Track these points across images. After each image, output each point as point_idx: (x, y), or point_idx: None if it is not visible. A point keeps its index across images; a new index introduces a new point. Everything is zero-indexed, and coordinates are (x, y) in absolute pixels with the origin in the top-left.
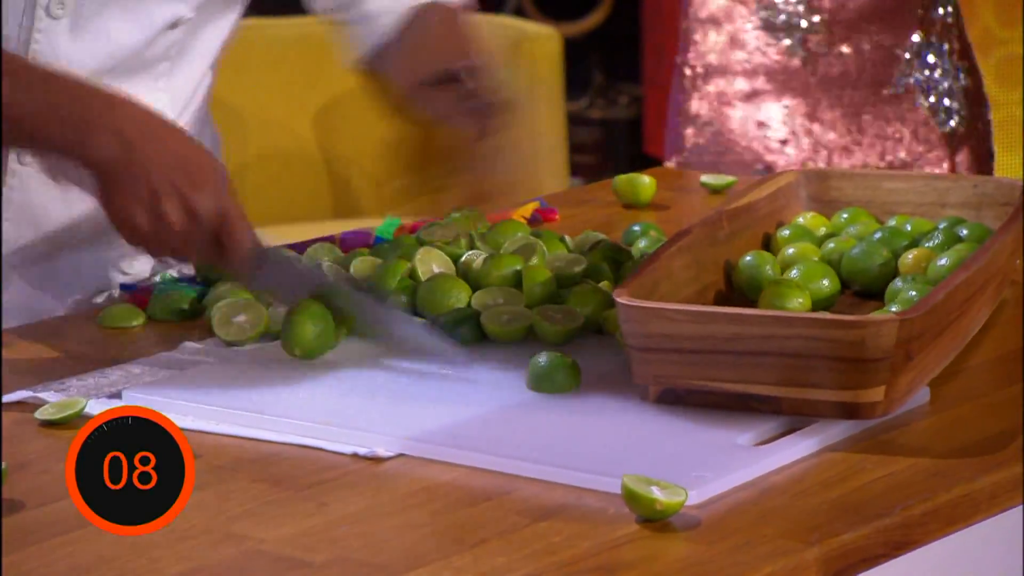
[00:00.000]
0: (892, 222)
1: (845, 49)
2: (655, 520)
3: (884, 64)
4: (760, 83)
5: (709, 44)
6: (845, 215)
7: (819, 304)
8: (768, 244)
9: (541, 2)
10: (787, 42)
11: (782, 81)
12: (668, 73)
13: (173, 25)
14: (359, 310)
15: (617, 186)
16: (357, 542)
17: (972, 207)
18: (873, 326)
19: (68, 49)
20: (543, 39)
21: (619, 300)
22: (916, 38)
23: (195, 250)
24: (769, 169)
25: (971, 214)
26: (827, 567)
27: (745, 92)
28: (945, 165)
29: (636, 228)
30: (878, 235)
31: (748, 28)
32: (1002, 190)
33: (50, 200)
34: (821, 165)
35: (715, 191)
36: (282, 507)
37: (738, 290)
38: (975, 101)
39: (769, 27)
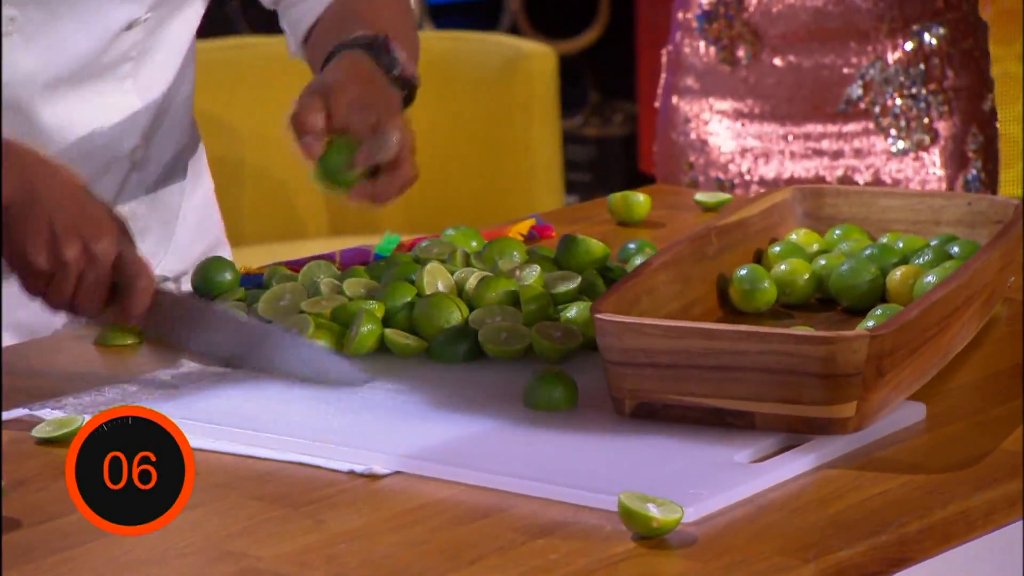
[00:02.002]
0: (885, 239)
1: (778, 62)
2: (651, 537)
3: (829, 83)
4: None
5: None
6: (838, 232)
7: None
8: (760, 260)
9: (536, 20)
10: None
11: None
12: None
13: (129, 27)
14: (260, 344)
15: (612, 204)
16: (354, 559)
17: (966, 225)
18: (844, 342)
19: (24, 63)
20: (538, 57)
21: (595, 315)
22: (869, 60)
23: (93, 297)
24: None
25: (965, 232)
26: None
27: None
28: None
29: (631, 246)
30: (868, 252)
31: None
32: (996, 208)
33: None
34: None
35: (709, 209)
36: (279, 524)
37: (732, 304)
38: (982, 123)
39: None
